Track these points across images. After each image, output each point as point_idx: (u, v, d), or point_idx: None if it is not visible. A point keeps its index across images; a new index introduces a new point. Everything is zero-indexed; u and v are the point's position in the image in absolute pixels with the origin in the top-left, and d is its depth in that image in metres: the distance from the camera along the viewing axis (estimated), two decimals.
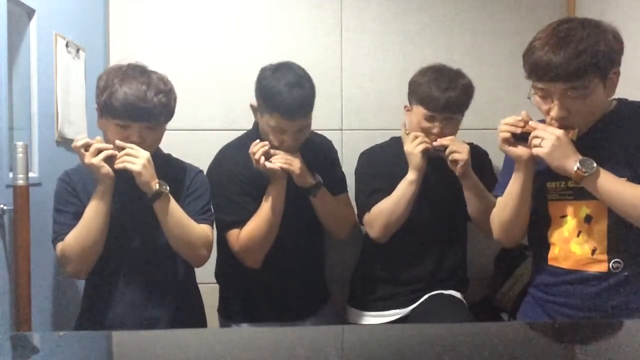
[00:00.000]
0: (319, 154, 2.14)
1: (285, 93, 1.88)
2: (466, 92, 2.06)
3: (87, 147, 1.72)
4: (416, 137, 2.04)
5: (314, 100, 1.97)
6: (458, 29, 2.53)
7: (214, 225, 1.95)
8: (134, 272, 1.82)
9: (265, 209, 1.96)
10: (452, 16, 2.52)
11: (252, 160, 1.93)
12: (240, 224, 1.98)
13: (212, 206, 1.96)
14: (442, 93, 2.01)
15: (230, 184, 2.01)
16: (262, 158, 1.91)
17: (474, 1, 2.53)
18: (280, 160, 1.93)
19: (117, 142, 1.74)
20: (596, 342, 1.28)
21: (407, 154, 2.05)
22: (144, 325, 1.80)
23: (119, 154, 1.72)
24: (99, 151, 1.71)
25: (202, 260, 1.87)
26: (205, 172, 2.02)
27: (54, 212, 1.80)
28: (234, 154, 2.07)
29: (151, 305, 1.83)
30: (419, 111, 2.07)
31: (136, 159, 1.71)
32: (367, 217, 2.12)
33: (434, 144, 2.04)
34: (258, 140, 1.95)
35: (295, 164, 1.95)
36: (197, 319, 1.99)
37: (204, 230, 1.84)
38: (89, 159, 1.70)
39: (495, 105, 2.46)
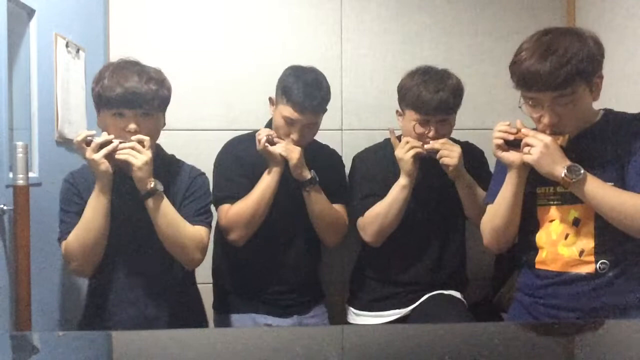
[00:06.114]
0: (324, 159, 2.21)
1: (301, 88, 2.01)
2: (456, 91, 2.05)
3: (87, 141, 1.73)
4: (407, 143, 2.04)
5: (327, 103, 2.08)
6: (458, 29, 2.53)
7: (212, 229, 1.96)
8: (133, 271, 1.83)
9: (256, 191, 2.04)
10: (452, 16, 2.52)
11: (256, 149, 2.03)
12: (232, 199, 2.06)
13: (213, 185, 2.04)
14: (433, 95, 2.00)
15: (232, 165, 2.11)
16: (264, 138, 2.00)
17: (473, 1, 2.53)
18: (280, 147, 2.02)
19: (122, 144, 1.74)
20: (595, 342, 1.28)
21: (398, 160, 2.05)
22: (144, 324, 1.81)
23: (123, 145, 1.73)
24: (100, 147, 1.72)
25: (194, 262, 1.86)
26: (213, 161, 2.13)
27: (59, 212, 1.82)
28: (241, 142, 2.18)
29: (150, 304, 1.83)
30: (412, 116, 2.06)
31: (139, 155, 1.73)
32: (361, 221, 2.13)
33: (426, 147, 2.03)
34: (267, 129, 2.07)
35: (294, 154, 2.02)
36: (197, 318, 1.99)
37: (199, 232, 1.84)
38: (90, 154, 1.72)
39: (495, 105, 2.45)
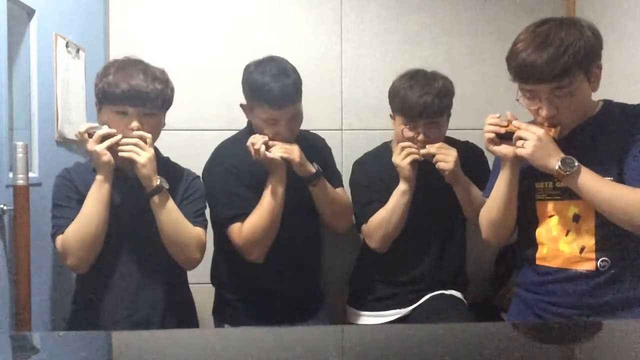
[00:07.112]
0: (312, 149, 2.13)
1: (270, 83, 1.91)
2: (442, 94, 2.01)
3: (90, 134, 1.73)
4: (404, 149, 2.03)
5: (301, 87, 1.99)
6: (458, 29, 2.53)
7: (207, 230, 1.93)
8: (125, 271, 1.82)
9: (266, 200, 1.96)
10: (452, 16, 2.53)
11: (249, 155, 1.95)
12: (242, 217, 1.98)
13: (212, 203, 1.99)
14: (417, 99, 1.97)
15: (230, 178, 2.02)
16: (263, 147, 1.92)
17: (473, 1, 2.53)
18: (279, 150, 1.95)
19: (124, 139, 1.74)
20: (596, 342, 1.28)
21: (396, 166, 2.04)
22: (134, 325, 1.80)
23: (125, 141, 1.73)
24: (103, 139, 1.72)
25: (193, 262, 1.86)
26: (202, 170, 2.04)
27: (53, 208, 1.80)
28: (231, 150, 2.08)
29: (141, 305, 1.82)
30: (400, 120, 2.05)
31: (142, 152, 1.73)
32: (366, 228, 2.12)
33: (422, 152, 2.02)
34: (257, 134, 1.97)
35: (294, 153, 1.96)
36: (189, 319, 1.98)
37: (198, 233, 1.85)
38: (92, 145, 1.72)
39: (495, 105, 2.43)
